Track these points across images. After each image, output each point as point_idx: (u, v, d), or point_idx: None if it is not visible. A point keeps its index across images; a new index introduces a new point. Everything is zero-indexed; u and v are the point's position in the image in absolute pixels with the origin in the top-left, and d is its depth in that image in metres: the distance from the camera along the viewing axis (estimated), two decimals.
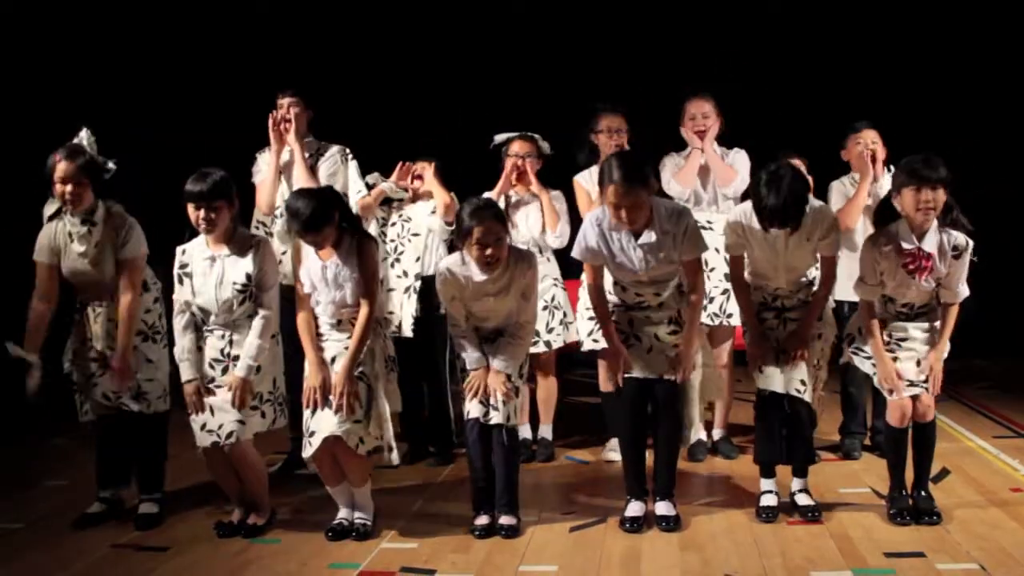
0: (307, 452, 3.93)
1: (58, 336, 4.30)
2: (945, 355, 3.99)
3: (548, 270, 5.06)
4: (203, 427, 4.00)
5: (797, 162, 4.80)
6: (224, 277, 4.02)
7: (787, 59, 7.50)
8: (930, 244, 3.89)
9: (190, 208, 3.99)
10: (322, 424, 3.89)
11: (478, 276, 3.98)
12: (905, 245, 3.90)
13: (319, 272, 3.96)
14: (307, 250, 4.02)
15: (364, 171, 4.99)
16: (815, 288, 4.14)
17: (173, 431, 4.45)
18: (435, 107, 7.57)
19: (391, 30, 7.88)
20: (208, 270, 4.03)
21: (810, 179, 4.62)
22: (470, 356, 4.04)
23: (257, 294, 4.02)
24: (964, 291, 3.98)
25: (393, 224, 5.14)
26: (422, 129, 5.13)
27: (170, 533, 4.16)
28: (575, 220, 4.78)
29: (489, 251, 3.90)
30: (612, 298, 4.14)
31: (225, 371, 4.02)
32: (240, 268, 4.02)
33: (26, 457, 5.52)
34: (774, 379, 4.07)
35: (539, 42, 7.79)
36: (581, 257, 4.09)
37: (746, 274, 4.17)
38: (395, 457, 4.06)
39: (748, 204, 4.03)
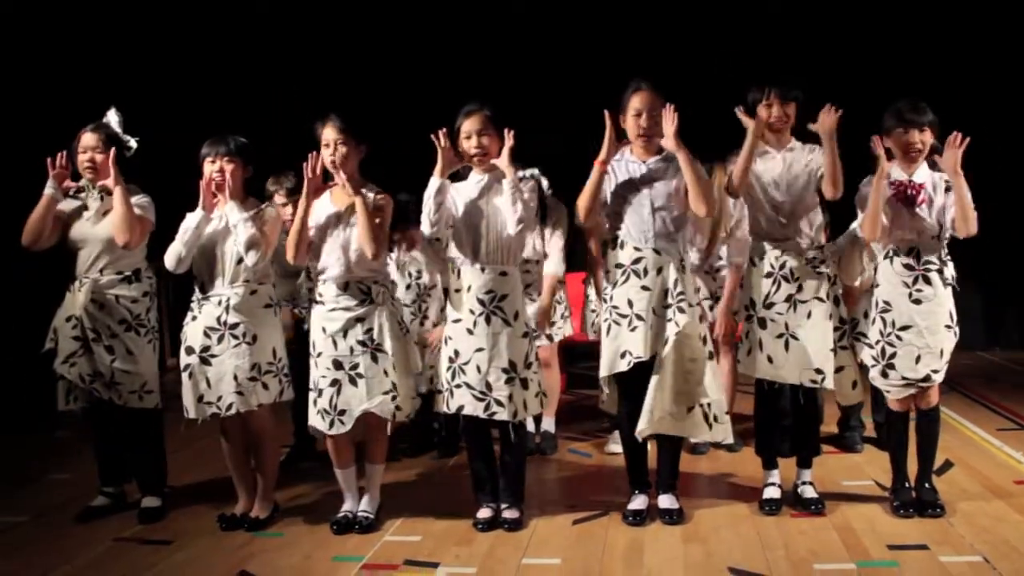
0: (336, 429, 3.93)
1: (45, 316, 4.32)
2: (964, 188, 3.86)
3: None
4: (200, 399, 4.01)
5: None
6: (225, 232, 4.04)
7: (789, 56, 7.49)
8: (920, 177, 3.96)
9: (206, 164, 4.05)
10: (352, 401, 3.91)
11: (473, 181, 4.00)
12: (896, 177, 3.97)
13: (332, 215, 3.96)
14: (321, 202, 4.01)
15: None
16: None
17: (172, 428, 4.44)
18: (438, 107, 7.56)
19: (395, 29, 7.87)
20: (214, 226, 4.06)
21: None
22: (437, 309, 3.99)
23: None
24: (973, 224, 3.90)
25: (408, 287, 5.05)
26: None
27: (173, 526, 4.17)
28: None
29: (477, 140, 3.94)
30: (612, 261, 4.05)
31: (221, 340, 4.01)
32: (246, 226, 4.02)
33: (29, 451, 5.52)
34: (785, 369, 4.06)
35: (542, 40, 7.79)
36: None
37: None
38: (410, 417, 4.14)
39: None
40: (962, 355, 4.35)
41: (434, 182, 3.93)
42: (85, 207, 4.23)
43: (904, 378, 3.96)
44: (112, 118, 4.31)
